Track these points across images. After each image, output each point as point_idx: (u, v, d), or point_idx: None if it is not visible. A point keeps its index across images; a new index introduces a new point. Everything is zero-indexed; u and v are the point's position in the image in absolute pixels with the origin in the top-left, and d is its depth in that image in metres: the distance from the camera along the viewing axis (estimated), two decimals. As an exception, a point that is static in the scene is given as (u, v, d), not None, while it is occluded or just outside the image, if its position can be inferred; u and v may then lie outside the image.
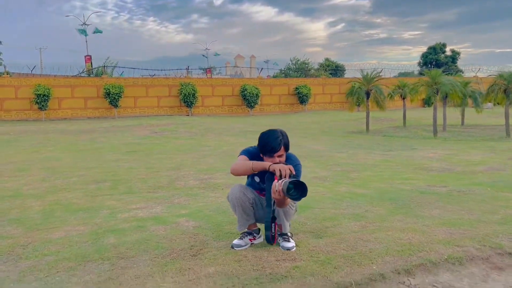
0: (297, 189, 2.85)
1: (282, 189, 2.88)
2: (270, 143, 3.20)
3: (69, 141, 14.00)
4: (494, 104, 26.00)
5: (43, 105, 21.92)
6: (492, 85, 13.45)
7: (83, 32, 36.31)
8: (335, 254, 3.20)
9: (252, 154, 3.34)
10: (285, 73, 48.35)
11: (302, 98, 26.87)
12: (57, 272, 3.08)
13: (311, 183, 6.38)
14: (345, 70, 51.95)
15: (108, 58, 30.87)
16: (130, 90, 23.81)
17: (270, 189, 3.03)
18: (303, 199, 2.93)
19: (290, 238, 3.46)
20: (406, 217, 4.24)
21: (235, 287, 2.71)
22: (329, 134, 15.26)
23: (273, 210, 3.25)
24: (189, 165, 8.78)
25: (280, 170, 2.99)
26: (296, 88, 27.02)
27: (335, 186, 6.10)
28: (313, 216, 4.31)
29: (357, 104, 27.23)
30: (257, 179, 3.43)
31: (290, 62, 53.66)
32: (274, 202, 3.19)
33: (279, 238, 3.44)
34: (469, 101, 21.09)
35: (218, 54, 38.68)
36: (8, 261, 3.35)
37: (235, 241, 3.47)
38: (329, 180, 6.77)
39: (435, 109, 13.33)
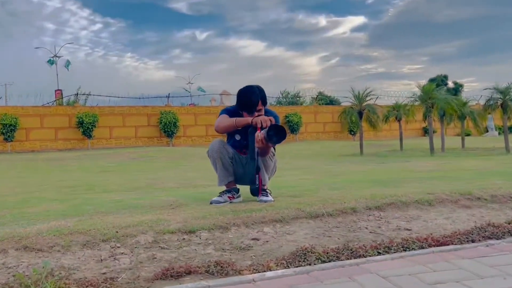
0: (277, 133, 3.40)
1: (264, 136, 3.42)
2: (249, 99, 3.74)
3: (39, 166, 14.37)
4: (499, 133, 27.06)
5: (9, 136, 22.29)
6: (488, 99, 14.32)
7: (53, 62, 37.10)
8: (310, 201, 3.68)
9: (232, 112, 3.88)
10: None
11: (292, 127, 27.62)
12: (37, 220, 3.50)
13: (295, 181, 6.88)
14: (340, 103, 53.36)
15: (80, 87, 31.55)
16: (105, 119, 24.34)
17: (253, 141, 3.56)
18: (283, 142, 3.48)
19: (268, 194, 3.94)
20: (386, 187, 4.74)
21: (212, 216, 3.17)
22: (321, 156, 15.85)
23: (257, 161, 3.75)
24: (169, 177, 9.21)
25: (261, 121, 3.53)
26: (286, 116, 27.81)
27: (319, 179, 6.60)
28: (293, 189, 4.80)
29: (352, 132, 28.26)
30: (237, 137, 3.94)
31: (281, 95, 54.92)
32: (257, 153, 3.70)
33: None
34: (471, 127, 22.04)
35: (204, 91, 39.36)
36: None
37: (214, 198, 3.93)
38: (313, 179, 7.27)
39: (430, 124, 14.06)
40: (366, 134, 24.30)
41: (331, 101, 53.91)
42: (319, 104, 33.91)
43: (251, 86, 3.84)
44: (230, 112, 3.89)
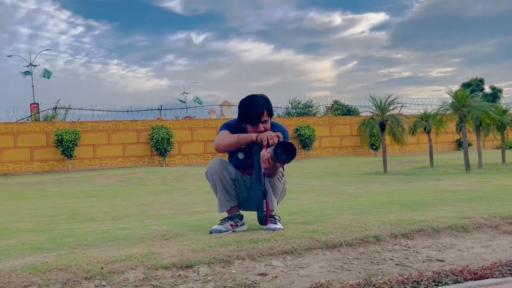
0: (286, 151, 3.42)
1: (271, 155, 3.43)
2: (253, 109, 3.77)
3: (12, 191, 14.46)
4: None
5: (-23, 158, 22.47)
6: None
7: (28, 73, 37.50)
8: (326, 229, 3.68)
9: (234, 127, 3.91)
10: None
11: (304, 141, 27.67)
12: (10, 256, 3.51)
13: (309, 206, 6.89)
14: (359, 113, 53.43)
15: (59, 100, 31.85)
16: (88, 136, 24.50)
17: (259, 162, 3.57)
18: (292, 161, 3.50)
19: (277, 221, 3.93)
20: (414, 211, 4.74)
21: (212, 247, 3.17)
22: (338, 176, 15.84)
23: (263, 183, 3.76)
24: (163, 202, 9.25)
25: (268, 138, 3.54)
26: (297, 129, 27.89)
27: (336, 202, 6.61)
28: (306, 215, 4.80)
29: (373, 146, 28.27)
30: (240, 155, 3.96)
31: (290, 105, 55.10)
32: (264, 174, 3.71)
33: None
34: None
35: (201, 102, 39.50)
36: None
37: (214, 227, 3.94)
38: (331, 202, 7.27)
39: (464, 136, 14.06)
40: (390, 148, 24.28)
41: (348, 111, 53.94)
42: (335, 115, 34.01)
43: (254, 95, 3.88)
44: (231, 127, 3.91)
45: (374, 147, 28.57)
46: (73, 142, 23.73)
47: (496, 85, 66.14)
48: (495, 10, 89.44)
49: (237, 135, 3.71)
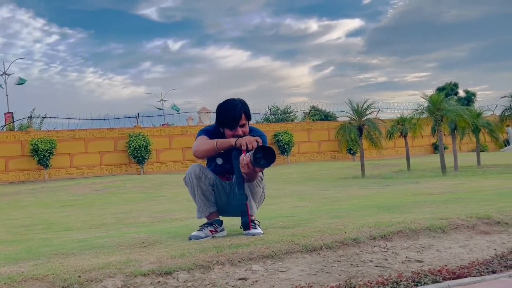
0: (265, 156, 3.42)
1: (250, 160, 3.43)
2: (230, 113, 3.77)
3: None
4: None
5: (-50, 168, 22.01)
6: (506, 109, 14.65)
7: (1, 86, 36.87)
8: (305, 232, 3.68)
9: (212, 133, 3.90)
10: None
11: (283, 147, 27.72)
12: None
13: (289, 210, 6.90)
14: (337, 118, 53.78)
15: (34, 109, 31.43)
16: (64, 145, 24.19)
17: (239, 167, 3.57)
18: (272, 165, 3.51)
19: (257, 226, 3.93)
20: (392, 214, 4.77)
21: (192, 253, 3.15)
22: (317, 180, 15.91)
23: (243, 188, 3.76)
24: (141, 210, 9.17)
25: (246, 143, 3.54)
26: (276, 135, 27.93)
27: (316, 206, 6.64)
28: (286, 219, 4.80)
29: (351, 151, 28.45)
30: (219, 161, 3.95)
31: (268, 112, 55.23)
32: (243, 179, 3.71)
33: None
34: (488, 141, 22.36)
35: (178, 109, 39.22)
36: None
37: (193, 233, 3.92)
38: (310, 207, 7.29)
39: (440, 139, 14.25)
40: (368, 153, 24.53)
41: (326, 117, 54.20)
42: (313, 120, 34.15)
43: (232, 99, 3.89)
44: (210, 132, 3.90)
45: (351, 152, 28.75)
46: (49, 151, 23.39)
47: (470, 89, 66.97)
48: (469, 15, 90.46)
49: (215, 140, 3.71)
